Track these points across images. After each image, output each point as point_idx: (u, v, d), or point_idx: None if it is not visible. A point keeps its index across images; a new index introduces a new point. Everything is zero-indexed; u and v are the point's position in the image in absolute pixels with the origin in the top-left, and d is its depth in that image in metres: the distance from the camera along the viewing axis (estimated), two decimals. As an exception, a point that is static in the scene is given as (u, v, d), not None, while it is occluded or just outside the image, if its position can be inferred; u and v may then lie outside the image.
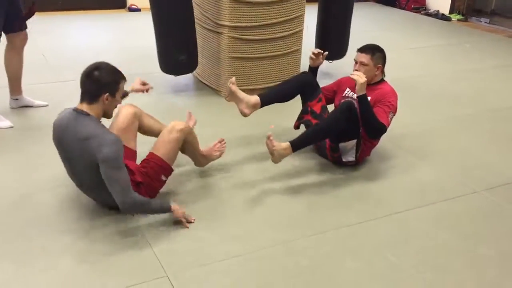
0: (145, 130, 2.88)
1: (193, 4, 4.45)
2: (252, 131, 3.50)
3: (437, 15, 8.28)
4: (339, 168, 3.15)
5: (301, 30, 4.35)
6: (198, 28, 4.45)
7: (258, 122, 3.55)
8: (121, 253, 2.32)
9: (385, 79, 3.21)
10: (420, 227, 2.64)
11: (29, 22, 3.66)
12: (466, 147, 3.58)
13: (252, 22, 4.05)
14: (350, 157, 3.09)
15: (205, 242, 2.43)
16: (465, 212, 2.80)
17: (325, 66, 3.38)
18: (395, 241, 2.51)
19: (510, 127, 3.97)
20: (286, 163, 3.06)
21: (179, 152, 2.75)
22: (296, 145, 2.90)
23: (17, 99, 3.81)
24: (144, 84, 3.03)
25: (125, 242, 2.40)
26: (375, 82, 3.14)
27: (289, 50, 4.32)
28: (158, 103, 4.03)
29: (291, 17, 4.20)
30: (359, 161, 3.16)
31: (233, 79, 3.06)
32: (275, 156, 2.86)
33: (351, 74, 2.98)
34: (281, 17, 4.15)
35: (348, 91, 3.24)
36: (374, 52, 3.10)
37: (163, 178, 2.63)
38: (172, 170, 2.67)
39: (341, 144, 3.06)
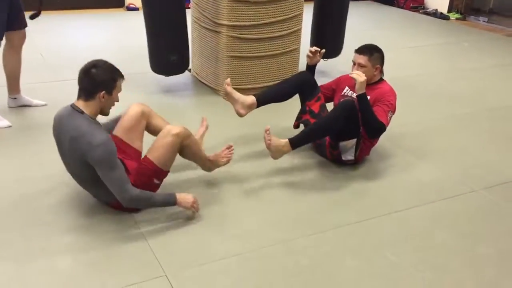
0: (152, 130, 2.83)
1: (192, 3, 4.46)
2: (251, 130, 3.50)
3: (436, 14, 8.28)
4: (339, 167, 3.15)
5: (300, 29, 4.35)
6: (196, 27, 4.45)
7: (257, 121, 3.55)
8: (120, 252, 2.33)
9: (384, 78, 3.21)
10: (419, 226, 2.65)
11: (27, 21, 3.66)
12: (465, 146, 3.58)
13: (250, 21, 4.05)
14: (350, 156, 3.10)
15: (204, 241, 2.43)
16: (463, 211, 2.80)
17: (320, 64, 3.38)
18: (394, 240, 2.52)
19: (509, 126, 3.98)
20: (285, 162, 3.07)
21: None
22: (295, 143, 2.91)
23: (15, 98, 3.81)
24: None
25: (124, 241, 2.40)
26: (374, 81, 3.14)
27: (287, 49, 4.31)
28: (156, 103, 4.02)
29: (289, 16, 4.20)
30: (358, 160, 3.17)
31: (228, 80, 3.08)
32: (274, 152, 2.87)
33: (351, 73, 2.98)
34: (279, 16, 4.14)
35: (347, 90, 3.24)
36: (372, 53, 3.10)
37: (156, 181, 2.60)
38: (166, 173, 2.63)
39: (341, 143, 3.06)
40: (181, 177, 2.93)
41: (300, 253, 2.38)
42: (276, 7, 4.10)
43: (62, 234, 2.43)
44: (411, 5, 8.68)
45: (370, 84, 3.08)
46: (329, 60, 4.69)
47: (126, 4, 7.57)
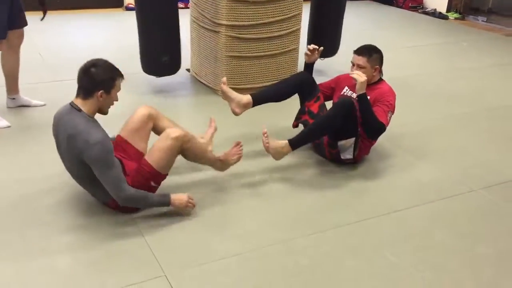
0: (160, 132, 2.83)
1: (191, 3, 4.45)
2: (251, 130, 3.50)
3: (434, 14, 8.29)
4: (338, 166, 3.16)
5: (299, 29, 4.35)
6: (195, 27, 4.45)
7: (257, 121, 3.55)
8: (120, 252, 2.32)
9: (383, 78, 3.21)
10: (418, 225, 2.65)
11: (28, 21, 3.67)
12: (464, 146, 3.58)
13: (249, 21, 4.05)
14: (348, 155, 3.10)
15: (204, 241, 2.43)
16: (463, 211, 2.80)
17: (317, 63, 3.38)
18: (394, 239, 2.52)
19: (508, 125, 3.98)
20: (284, 162, 3.07)
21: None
22: (295, 143, 2.92)
23: (14, 98, 3.80)
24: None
25: (124, 241, 2.39)
26: (374, 82, 3.14)
27: (286, 49, 4.31)
28: (155, 102, 4.02)
29: (288, 15, 4.20)
30: (357, 160, 3.17)
31: (224, 79, 3.10)
32: (274, 154, 2.89)
33: (351, 73, 2.98)
34: (278, 16, 4.14)
35: (346, 90, 3.24)
36: (371, 53, 3.10)
37: (153, 184, 2.59)
38: (163, 176, 2.62)
39: (340, 142, 3.06)
40: (180, 178, 2.93)
41: (300, 253, 2.38)
42: (275, 7, 4.10)
43: (61, 234, 2.43)
44: (410, 4, 8.69)
45: (370, 84, 3.08)
46: (326, 59, 4.69)
47: (125, 4, 7.56)
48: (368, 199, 2.87)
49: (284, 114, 3.51)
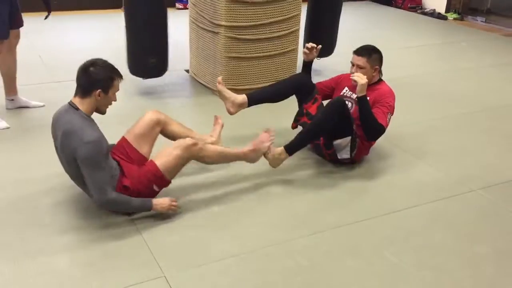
0: (171, 136, 2.86)
1: (190, 3, 4.45)
2: (250, 131, 3.49)
3: (433, 14, 8.30)
4: (337, 167, 3.15)
5: (298, 30, 4.35)
6: (194, 28, 4.45)
7: (256, 121, 3.55)
8: (119, 253, 2.32)
9: (382, 78, 3.21)
10: (418, 225, 2.65)
11: (25, 22, 3.66)
12: (463, 146, 3.58)
13: (248, 22, 4.05)
14: (345, 154, 3.09)
15: (203, 242, 2.42)
16: (462, 211, 2.80)
17: (313, 63, 3.38)
18: (393, 239, 2.52)
19: (507, 125, 3.98)
20: (283, 162, 3.05)
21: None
22: (291, 149, 2.94)
23: (12, 99, 3.79)
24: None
25: (123, 242, 2.39)
26: (373, 82, 3.14)
27: (285, 50, 4.31)
28: (154, 103, 4.02)
29: (287, 16, 4.20)
30: (355, 160, 3.17)
31: (220, 78, 3.13)
32: (271, 161, 2.93)
33: (352, 76, 2.98)
34: (277, 17, 4.14)
35: (346, 90, 3.24)
36: (371, 54, 3.10)
37: (156, 188, 2.58)
38: (167, 182, 2.61)
39: (336, 142, 3.06)
40: (180, 179, 2.91)
41: (299, 253, 2.38)
42: (274, 7, 4.10)
43: (60, 234, 2.43)
44: (409, 5, 8.69)
45: (369, 84, 3.08)
46: (322, 59, 4.69)
47: (123, 5, 7.54)
48: (367, 199, 2.87)
49: (282, 115, 3.51)
